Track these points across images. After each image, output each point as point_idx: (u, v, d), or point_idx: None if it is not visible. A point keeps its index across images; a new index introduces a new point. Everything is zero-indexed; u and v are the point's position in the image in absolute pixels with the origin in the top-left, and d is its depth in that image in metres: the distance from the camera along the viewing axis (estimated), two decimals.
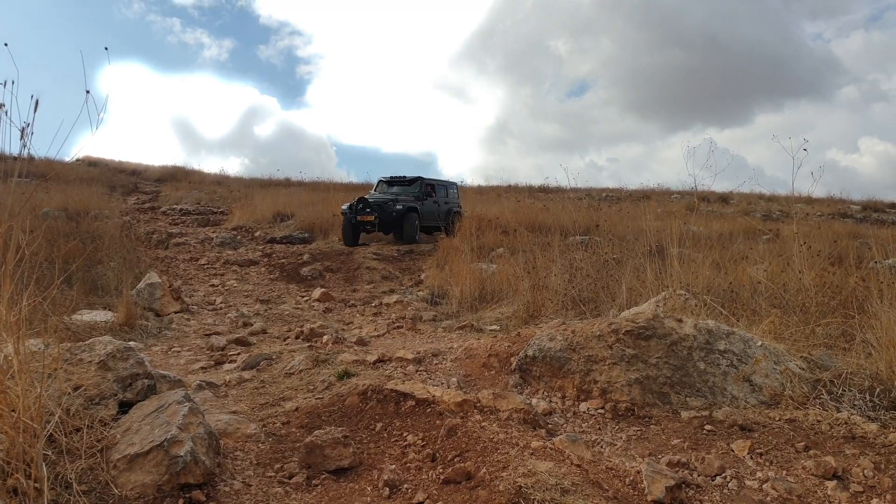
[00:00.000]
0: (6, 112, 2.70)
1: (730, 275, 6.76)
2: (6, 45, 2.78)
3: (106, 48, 3.38)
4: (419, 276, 12.27)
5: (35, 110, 2.82)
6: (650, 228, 8.39)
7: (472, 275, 9.50)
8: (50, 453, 2.51)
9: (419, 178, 17.65)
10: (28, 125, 2.76)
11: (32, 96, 2.80)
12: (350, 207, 15.89)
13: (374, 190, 18.00)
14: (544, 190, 29.02)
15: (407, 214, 16.00)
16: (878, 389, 3.87)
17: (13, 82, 2.73)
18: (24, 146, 2.86)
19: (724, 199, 28.10)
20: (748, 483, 3.14)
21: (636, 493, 2.97)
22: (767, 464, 3.32)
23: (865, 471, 3.13)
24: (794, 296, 5.76)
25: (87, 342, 3.52)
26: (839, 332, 5.02)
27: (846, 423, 3.62)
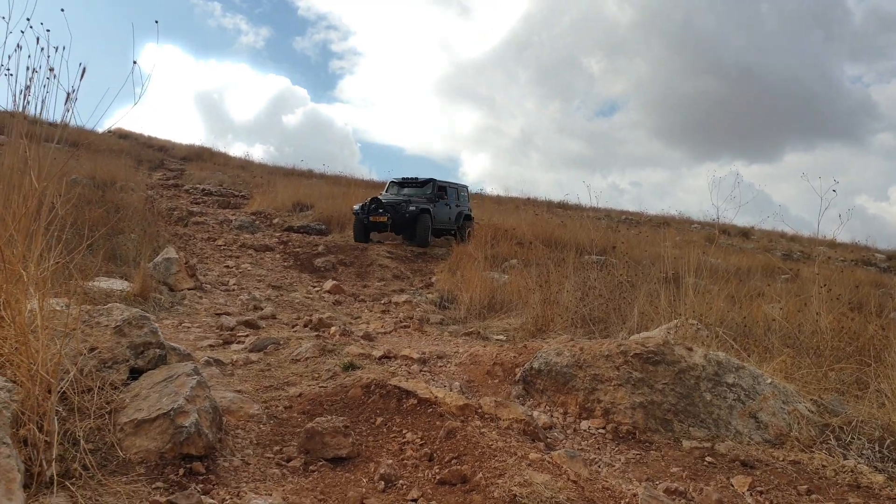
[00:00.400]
0: (55, 76, 2.76)
1: (744, 310, 6.72)
2: (62, 10, 2.84)
3: (156, 21, 3.41)
4: (430, 278, 12.28)
5: (81, 78, 2.88)
6: (668, 255, 8.35)
7: (483, 283, 9.50)
8: (61, 409, 2.56)
9: (431, 180, 17.24)
10: (74, 91, 2.82)
11: (80, 64, 2.85)
12: (362, 207, 15.67)
13: (386, 191, 17.61)
14: (563, 206, 28.95)
15: (420, 216, 15.67)
16: (888, 441, 3.83)
17: (64, 48, 2.78)
18: (68, 111, 2.91)
19: (745, 233, 27.88)
20: None
21: None
22: (767, 503, 3.30)
23: None
24: (808, 337, 5.71)
25: (105, 307, 3.57)
26: (853, 379, 4.97)
27: (852, 471, 3.59)
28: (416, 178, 17.49)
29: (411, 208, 15.58)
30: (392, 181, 17.95)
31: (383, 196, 16.53)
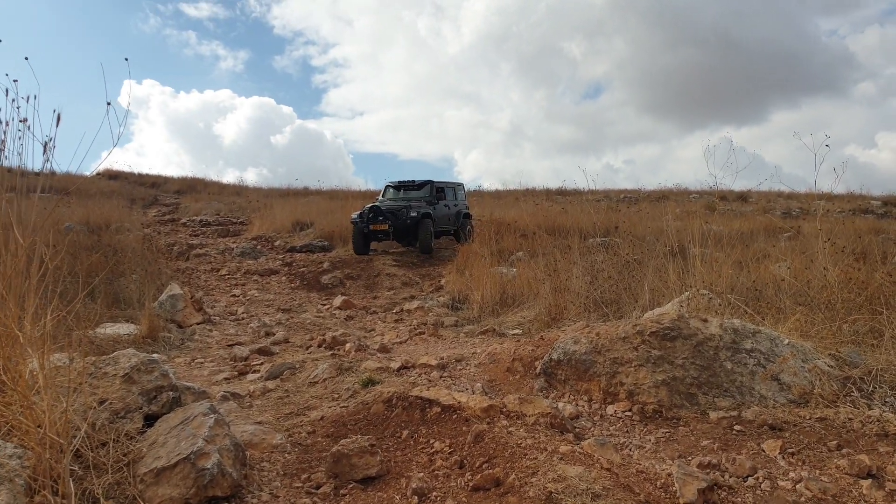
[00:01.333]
0: (28, 126, 2.72)
1: (753, 273, 6.67)
2: (27, 58, 2.80)
3: (126, 59, 3.39)
4: (439, 281, 12.25)
5: (57, 125, 2.84)
6: (671, 228, 8.30)
7: (493, 279, 9.46)
8: (76, 468, 2.52)
9: (429, 182, 16.52)
10: (50, 139, 2.78)
11: (55, 111, 2.82)
12: (361, 216, 14.95)
13: (382, 196, 16.90)
14: (562, 193, 28.89)
15: (421, 222, 14.87)
16: None
17: (35, 97, 2.75)
18: (47, 160, 2.88)
19: (743, 197, 27.78)
20: (781, 483, 3.08)
21: (668, 496, 2.92)
22: (800, 463, 3.26)
23: None
24: (818, 293, 5.66)
25: (111, 355, 3.53)
26: (867, 329, 4.93)
27: (878, 420, 3.55)
28: (414, 181, 16.78)
29: (412, 214, 14.81)
30: (388, 185, 17.24)
31: (381, 202, 15.89)
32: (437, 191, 16.51)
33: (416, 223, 14.85)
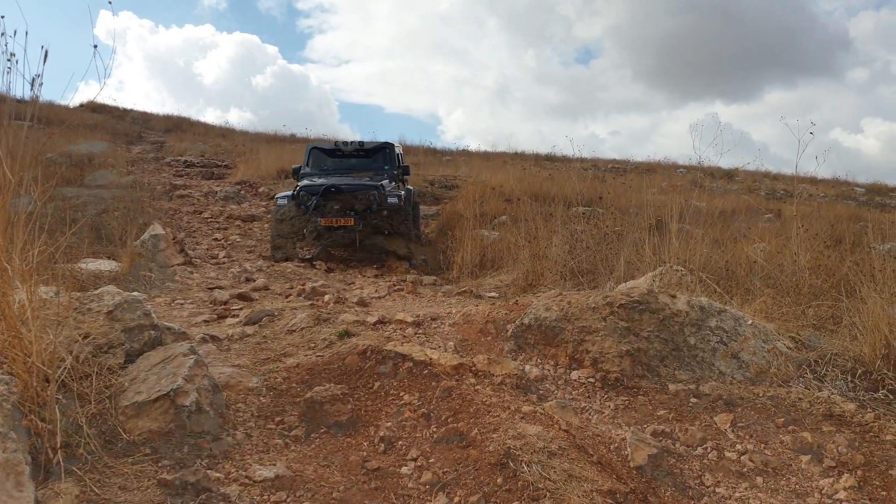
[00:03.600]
0: (17, 62, 2.77)
1: (727, 253, 6.84)
2: None
3: (110, 1, 3.42)
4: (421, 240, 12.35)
5: (45, 61, 2.88)
6: (652, 203, 8.43)
7: (474, 241, 9.58)
8: (61, 397, 2.63)
9: (387, 146, 11.23)
10: (39, 76, 2.83)
11: (42, 47, 2.86)
12: (297, 198, 9.74)
13: (307, 165, 11.20)
14: (550, 158, 28.89)
15: (400, 213, 9.95)
16: (859, 371, 4.00)
17: (27, 33, 2.79)
18: (36, 98, 2.93)
19: (730, 175, 27.95)
20: (727, 454, 3.28)
21: (619, 459, 3.10)
22: (747, 437, 3.45)
23: (840, 447, 3.26)
24: (788, 277, 5.85)
25: (95, 292, 3.63)
26: (829, 315, 5.13)
27: (826, 401, 3.74)
28: (362, 143, 11.33)
29: (392, 201, 9.81)
30: (315, 147, 11.57)
31: (317, 179, 10.29)
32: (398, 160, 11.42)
33: (399, 214, 10.04)
